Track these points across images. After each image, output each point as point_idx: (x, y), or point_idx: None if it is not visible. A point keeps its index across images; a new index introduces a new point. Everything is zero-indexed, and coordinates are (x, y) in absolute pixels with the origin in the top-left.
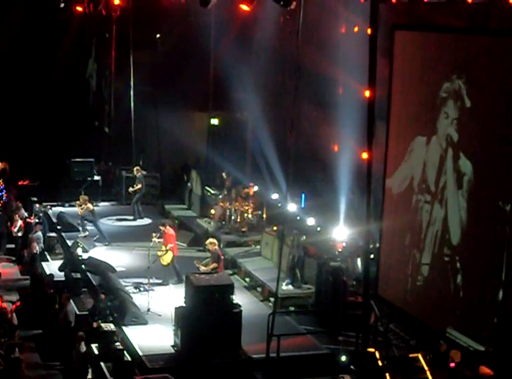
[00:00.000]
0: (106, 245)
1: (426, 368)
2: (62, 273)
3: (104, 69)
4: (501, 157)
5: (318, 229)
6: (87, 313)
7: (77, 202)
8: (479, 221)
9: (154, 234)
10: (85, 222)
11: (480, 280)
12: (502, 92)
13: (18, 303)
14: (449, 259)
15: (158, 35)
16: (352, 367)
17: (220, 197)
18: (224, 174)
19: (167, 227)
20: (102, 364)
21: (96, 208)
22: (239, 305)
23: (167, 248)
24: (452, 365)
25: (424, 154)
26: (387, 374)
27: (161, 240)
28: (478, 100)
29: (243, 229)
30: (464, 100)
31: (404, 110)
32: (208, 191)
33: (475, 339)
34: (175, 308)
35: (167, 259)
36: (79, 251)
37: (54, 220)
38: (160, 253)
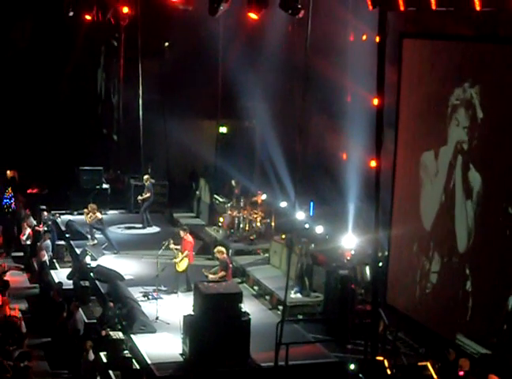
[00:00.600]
0: (114, 253)
1: (435, 376)
2: (71, 281)
3: (113, 77)
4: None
5: (327, 237)
6: (95, 321)
7: (85, 210)
8: (487, 227)
9: (169, 241)
10: (94, 230)
11: (489, 286)
12: None
13: (16, 306)
14: (457, 266)
15: (166, 44)
16: (360, 376)
17: (229, 205)
18: (233, 182)
19: (187, 234)
20: (110, 372)
21: (104, 216)
22: (248, 314)
23: (184, 255)
24: (461, 373)
25: (433, 161)
26: None
27: (178, 247)
28: (491, 112)
29: (252, 237)
30: (477, 111)
31: (413, 118)
32: (216, 199)
33: (484, 345)
34: (184, 316)
35: (182, 266)
36: (88, 259)
37: (63, 228)
38: (176, 260)
